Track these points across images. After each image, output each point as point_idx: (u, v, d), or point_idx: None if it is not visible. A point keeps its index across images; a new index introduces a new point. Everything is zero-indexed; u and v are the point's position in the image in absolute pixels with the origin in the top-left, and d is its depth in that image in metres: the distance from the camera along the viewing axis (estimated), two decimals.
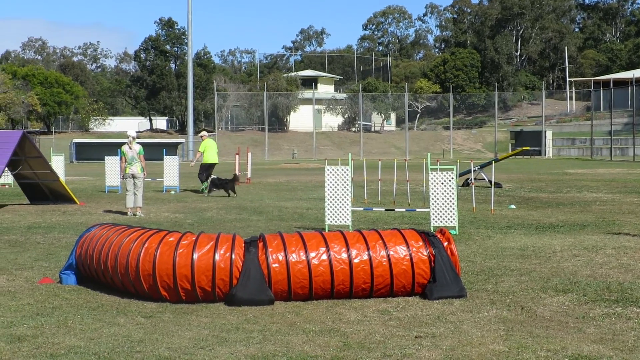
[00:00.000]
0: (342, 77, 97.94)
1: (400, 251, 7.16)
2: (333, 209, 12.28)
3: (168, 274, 6.96)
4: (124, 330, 6.06)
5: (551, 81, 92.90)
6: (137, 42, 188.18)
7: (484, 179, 22.65)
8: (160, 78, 75.92)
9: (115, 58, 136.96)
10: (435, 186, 12.13)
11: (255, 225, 13.32)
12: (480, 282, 7.95)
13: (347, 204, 12.31)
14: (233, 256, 6.98)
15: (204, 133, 23.07)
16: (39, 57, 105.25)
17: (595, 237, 11.37)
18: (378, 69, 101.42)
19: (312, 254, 7.05)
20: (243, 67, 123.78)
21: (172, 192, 21.73)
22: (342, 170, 12.30)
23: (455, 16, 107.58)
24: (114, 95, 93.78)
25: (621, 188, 21.87)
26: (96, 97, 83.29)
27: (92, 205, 17.81)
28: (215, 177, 20.65)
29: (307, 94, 71.18)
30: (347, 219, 12.28)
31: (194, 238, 7.19)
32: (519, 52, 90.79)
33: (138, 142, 15.97)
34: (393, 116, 78.91)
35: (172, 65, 78.79)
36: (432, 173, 12.23)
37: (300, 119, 70.91)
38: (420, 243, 7.24)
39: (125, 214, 15.50)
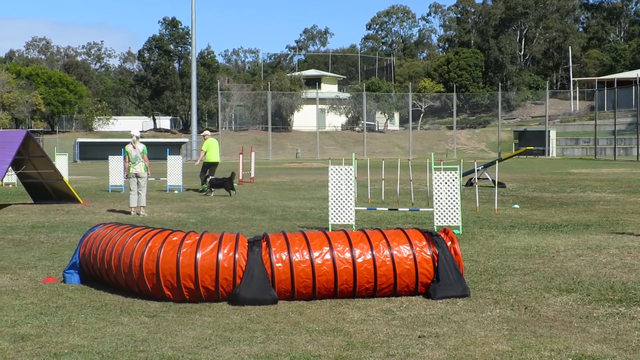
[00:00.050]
0: (345, 77, 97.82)
1: (404, 251, 7.15)
2: (336, 209, 12.28)
3: (171, 273, 6.96)
4: (128, 330, 6.07)
5: (555, 81, 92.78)
6: (140, 41, 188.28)
7: (488, 179, 22.63)
8: (164, 78, 75.91)
9: (119, 58, 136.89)
10: (438, 186, 12.13)
11: (258, 224, 13.33)
12: (483, 281, 7.94)
13: (351, 204, 12.31)
14: (236, 256, 6.97)
15: (206, 132, 23.09)
16: (43, 57, 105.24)
17: (599, 236, 11.36)
18: (382, 69, 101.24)
19: (316, 254, 7.05)
20: (247, 67, 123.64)
21: (176, 192, 21.73)
22: (346, 169, 12.30)
23: (459, 16, 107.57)
24: (117, 95, 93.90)
25: (625, 188, 21.84)
26: (100, 97, 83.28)
27: (95, 204, 17.82)
28: (212, 177, 20.66)
29: (311, 93, 71.12)
30: (351, 219, 12.28)
31: (197, 237, 7.19)
32: (522, 52, 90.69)
33: (142, 142, 15.97)
34: (397, 116, 78.81)
35: (176, 65, 78.74)
36: (435, 173, 12.23)
37: (304, 118, 70.87)
38: (424, 243, 7.24)
39: (129, 213, 15.51)
